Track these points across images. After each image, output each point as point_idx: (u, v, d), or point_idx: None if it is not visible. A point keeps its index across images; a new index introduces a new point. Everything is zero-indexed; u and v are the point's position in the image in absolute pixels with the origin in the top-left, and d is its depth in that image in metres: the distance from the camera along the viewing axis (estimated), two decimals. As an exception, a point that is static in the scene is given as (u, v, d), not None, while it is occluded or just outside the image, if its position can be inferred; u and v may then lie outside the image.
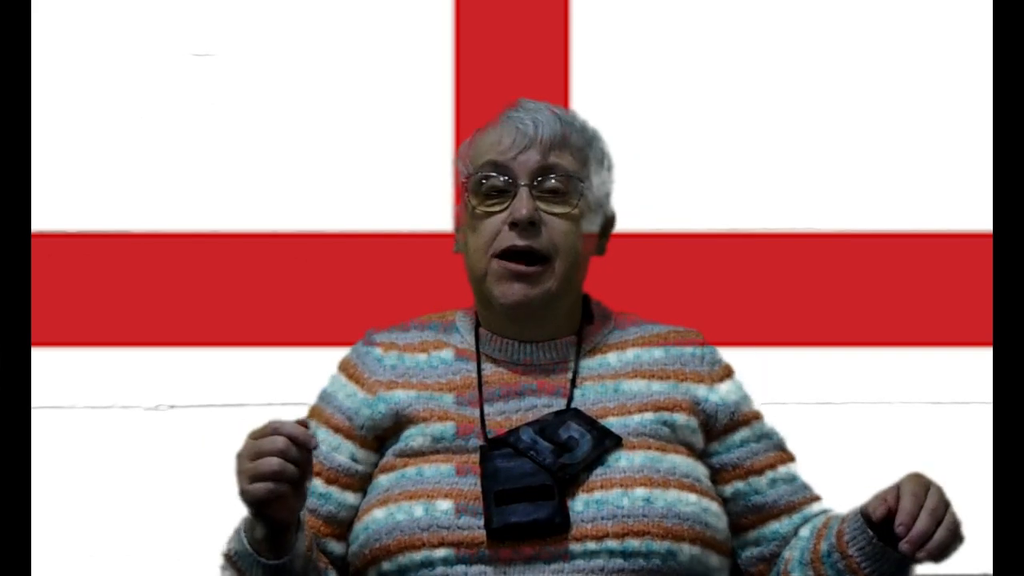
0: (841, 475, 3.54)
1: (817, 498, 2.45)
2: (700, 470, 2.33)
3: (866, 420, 3.52)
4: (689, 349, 2.41)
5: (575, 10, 3.32)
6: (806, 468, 3.37)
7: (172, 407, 3.55)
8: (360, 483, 2.36)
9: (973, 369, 3.42)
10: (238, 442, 3.57)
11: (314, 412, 2.43)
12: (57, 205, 3.48)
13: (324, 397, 2.44)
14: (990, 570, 2.79)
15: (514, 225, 2.31)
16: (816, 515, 2.41)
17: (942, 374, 3.48)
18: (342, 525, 2.35)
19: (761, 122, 3.39)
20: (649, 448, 2.29)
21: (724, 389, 2.40)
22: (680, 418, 2.34)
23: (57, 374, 3.48)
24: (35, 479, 3.30)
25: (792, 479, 2.42)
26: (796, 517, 2.40)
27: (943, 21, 3.47)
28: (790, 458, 2.45)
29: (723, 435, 2.38)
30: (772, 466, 2.41)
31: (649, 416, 2.33)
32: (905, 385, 3.51)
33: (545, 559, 2.22)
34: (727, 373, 2.43)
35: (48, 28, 3.47)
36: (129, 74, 3.41)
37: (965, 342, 3.38)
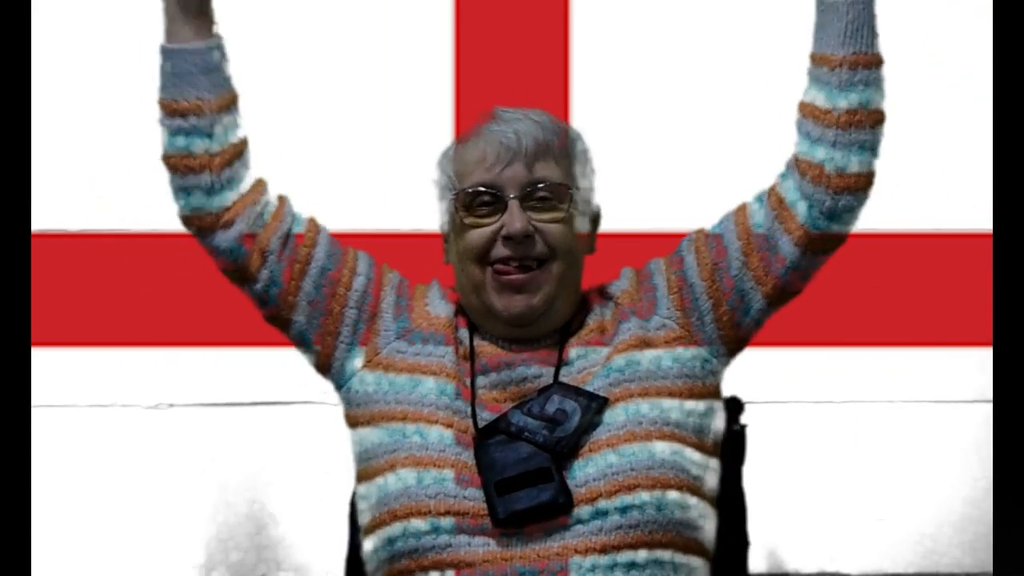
0: (841, 475, 3.55)
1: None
2: (678, 414, 2.32)
3: (866, 420, 3.53)
4: (621, 295, 2.41)
5: (575, 10, 3.32)
6: (806, 467, 3.39)
7: (171, 406, 3.56)
8: (292, 269, 2.39)
9: (973, 369, 3.43)
10: (236, 440, 3.59)
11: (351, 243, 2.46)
12: (57, 205, 3.48)
13: (375, 261, 2.45)
14: (990, 570, 2.79)
15: (508, 239, 2.33)
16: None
17: (942, 374, 3.48)
18: (260, 234, 2.39)
19: (762, 122, 3.39)
20: (631, 396, 2.31)
21: (652, 288, 2.40)
22: (648, 355, 2.34)
23: (57, 373, 3.49)
24: (35, 477, 3.30)
25: (739, 206, 2.39)
26: (769, 189, 2.38)
27: (943, 21, 3.47)
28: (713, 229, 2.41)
29: (699, 280, 2.37)
30: (734, 221, 2.38)
31: (619, 359, 2.34)
32: (905, 385, 3.51)
33: (547, 529, 2.25)
34: (640, 278, 2.42)
35: (48, 28, 3.47)
36: (128, 74, 3.41)
37: (965, 342, 3.38)
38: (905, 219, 3.34)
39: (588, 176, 2.41)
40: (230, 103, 2.39)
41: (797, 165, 2.33)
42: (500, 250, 2.34)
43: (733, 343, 2.39)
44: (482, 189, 2.35)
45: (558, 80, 3.23)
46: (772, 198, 2.35)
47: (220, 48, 2.39)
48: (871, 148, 2.33)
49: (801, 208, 2.33)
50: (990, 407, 3.32)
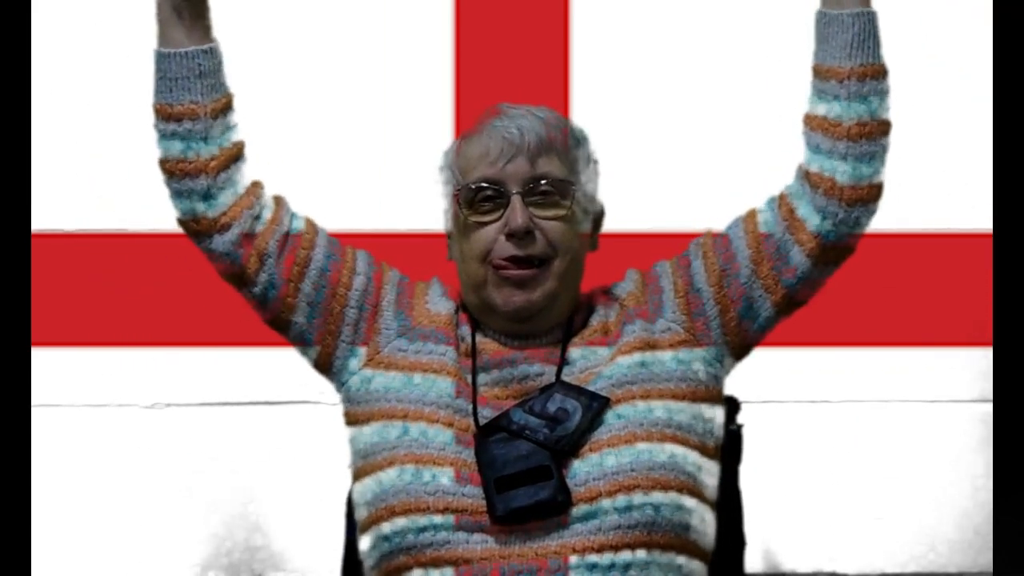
0: (839, 474, 3.55)
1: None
2: (680, 417, 2.33)
3: (864, 420, 3.53)
4: (627, 297, 2.42)
5: (575, 10, 3.32)
6: (804, 467, 3.37)
7: (169, 405, 3.56)
8: (291, 271, 2.39)
9: (972, 369, 3.43)
10: (234, 440, 3.59)
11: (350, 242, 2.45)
12: (57, 205, 3.48)
13: (375, 259, 2.45)
14: (990, 570, 2.79)
15: (511, 236, 2.33)
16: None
17: (942, 374, 3.48)
18: (259, 239, 2.39)
19: (762, 121, 3.39)
20: (633, 398, 2.32)
21: (658, 290, 2.41)
22: (652, 357, 2.35)
23: (56, 373, 3.48)
24: (35, 476, 3.30)
25: (748, 212, 2.39)
26: (778, 197, 2.38)
27: (943, 21, 3.47)
28: (717, 230, 2.42)
29: (707, 286, 2.38)
30: (743, 228, 2.38)
31: (623, 360, 2.34)
32: (904, 385, 3.51)
33: (545, 528, 2.26)
34: (646, 280, 2.43)
35: (48, 28, 3.47)
36: (128, 74, 3.41)
37: (965, 342, 3.38)
38: (905, 219, 3.34)
39: (591, 174, 2.41)
40: (225, 106, 2.39)
41: (808, 178, 2.34)
42: (502, 248, 2.35)
43: (739, 348, 2.39)
44: (484, 184, 2.36)
45: (558, 80, 3.23)
46: (783, 208, 2.35)
47: (214, 51, 2.39)
48: (880, 158, 2.34)
49: (813, 220, 2.33)
50: (989, 407, 3.32)
